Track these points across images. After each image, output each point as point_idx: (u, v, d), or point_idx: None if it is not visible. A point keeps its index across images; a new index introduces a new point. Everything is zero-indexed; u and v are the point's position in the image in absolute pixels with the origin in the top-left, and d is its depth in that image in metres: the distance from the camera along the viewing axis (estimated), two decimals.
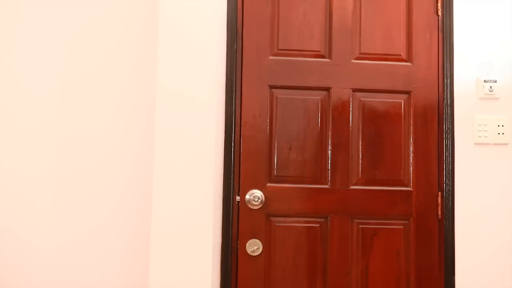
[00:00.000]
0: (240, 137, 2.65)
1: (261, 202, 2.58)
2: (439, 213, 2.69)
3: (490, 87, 2.72)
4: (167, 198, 2.53)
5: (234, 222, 2.62)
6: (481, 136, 2.71)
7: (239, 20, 2.69)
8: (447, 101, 2.72)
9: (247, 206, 2.60)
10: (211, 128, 2.57)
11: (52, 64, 2.74)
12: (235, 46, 2.67)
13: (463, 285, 2.65)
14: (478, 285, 2.66)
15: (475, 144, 2.72)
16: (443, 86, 2.73)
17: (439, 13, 2.75)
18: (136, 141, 2.72)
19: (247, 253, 2.59)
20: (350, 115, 2.70)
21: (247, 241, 2.59)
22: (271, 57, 2.68)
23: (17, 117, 2.72)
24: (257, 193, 2.58)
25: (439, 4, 2.75)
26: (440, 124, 2.72)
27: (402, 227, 2.69)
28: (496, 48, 2.76)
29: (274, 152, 2.64)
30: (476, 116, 2.72)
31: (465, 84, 2.73)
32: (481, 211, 2.70)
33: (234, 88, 2.66)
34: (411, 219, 2.69)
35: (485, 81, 2.72)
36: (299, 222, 2.65)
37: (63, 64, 2.74)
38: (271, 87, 2.67)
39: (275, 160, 2.64)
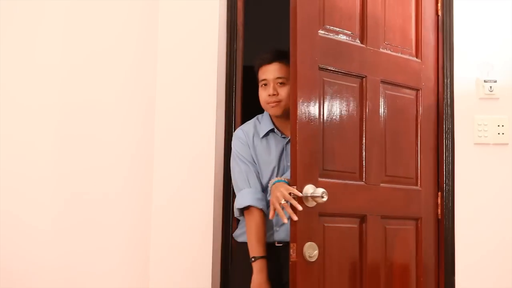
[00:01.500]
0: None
1: (325, 199, 2.18)
2: (439, 213, 2.68)
3: (490, 87, 2.72)
4: (168, 198, 2.53)
5: (234, 222, 2.59)
6: (481, 136, 2.71)
7: (239, 19, 2.68)
8: (447, 101, 2.72)
9: (303, 203, 2.18)
10: (211, 127, 2.57)
11: (53, 62, 2.73)
12: (235, 45, 2.66)
13: (463, 285, 2.65)
14: (478, 285, 2.66)
15: (475, 144, 2.71)
16: (443, 86, 2.72)
17: (439, 13, 2.74)
18: (136, 139, 2.71)
19: (304, 258, 2.15)
20: (380, 108, 2.49)
21: (304, 244, 2.16)
22: (320, 33, 2.34)
23: (21, 112, 2.71)
24: (320, 189, 2.18)
25: (439, 4, 2.74)
26: (440, 124, 2.71)
27: (413, 227, 2.57)
28: (496, 48, 2.76)
29: (322, 143, 2.31)
30: (476, 116, 2.72)
31: (465, 84, 2.73)
32: (481, 211, 2.69)
33: (234, 88, 2.66)
34: (420, 219, 2.58)
35: (485, 81, 2.72)
36: (346, 222, 2.36)
37: (64, 64, 2.73)
38: (320, 68, 2.32)
39: (323, 152, 2.30)
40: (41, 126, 2.71)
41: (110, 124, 2.72)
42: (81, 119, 2.71)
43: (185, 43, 2.63)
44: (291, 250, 2.14)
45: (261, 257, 2.26)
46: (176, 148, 2.56)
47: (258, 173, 2.39)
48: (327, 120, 2.32)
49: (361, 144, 2.42)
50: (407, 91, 2.61)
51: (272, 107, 2.38)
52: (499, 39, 2.76)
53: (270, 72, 2.38)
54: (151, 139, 2.62)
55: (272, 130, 2.43)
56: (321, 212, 2.21)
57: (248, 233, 2.30)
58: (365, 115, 2.43)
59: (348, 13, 2.43)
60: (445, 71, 2.72)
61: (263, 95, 2.39)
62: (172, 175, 2.53)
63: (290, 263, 2.14)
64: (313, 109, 2.26)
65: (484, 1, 2.76)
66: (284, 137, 2.44)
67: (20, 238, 2.66)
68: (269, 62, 2.38)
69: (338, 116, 2.36)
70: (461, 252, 2.67)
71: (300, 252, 2.15)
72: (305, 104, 2.23)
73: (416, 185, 2.61)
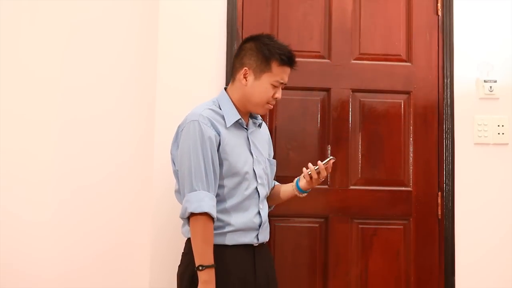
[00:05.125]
0: None
1: None
2: (439, 213, 2.69)
3: (490, 87, 2.72)
4: (167, 199, 2.53)
5: None
6: (481, 136, 2.71)
7: (239, 20, 2.68)
8: (447, 101, 2.72)
9: None
10: None
11: (54, 60, 2.73)
12: (235, 46, 2.66)
13: (463, 285, 2.65)
14: (478, 285, 2.67)
15: (475, 144, 2.72)
16: (443, 86, 2.73)
17: (439, 13, 2.75)
18: (136, 139, 2.71)
19: None
20: (350, 116, 2.70)
21: None
22: None
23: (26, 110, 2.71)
24: None
25: (439, 4, 2.75)
26: (440, 124, 2.72)
27: (401, 227, 2.69)
28: (496, 48, 2.76)
29: (274, 152, 2.53)
30: (476, 116, 2.72)
31: (465, 84, 2.73)
32: (481, 211, 2.70)
33: None
34: (411, 219, 2.69)
35: (485, 81, 2.72)
36: (299, 222, 2.64)
37: (65, 62, 2.73)
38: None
39: (276, 159, 2.52)
40: (41, 125, 2.71)
41: (110, 124, 2.72)
42: (81, 119, 2.71)
43: (185, 43, 2.63)
44: None
45: (211, 266, 2.03)
46: None
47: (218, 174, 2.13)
48: (279, 131, 2.64)
49: (324, 151, 2.66)
50: (392, 95, 2.73)
51: (268, 108, 2.22)
52: (499, 39, 2.76)
53: (287, 76, 2.18)
54: (151, 140, 2.62)
55: (237, 121, 2.18)
56: (271, 213, 2.35)
57: (196, 238, 2.06)
58: (329, 124, 2.67)
59: (309, 34, 2.70)
60: (445, 71, 2.73)
61: (269, 93, 2.17)
62: (172, 176, 2.53)
63: None
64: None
65: (484, 1, 2.76)
66: (245, 128, 2.22)
67: (20, 237, 2.66)
68: (291, 65, 2.17)
69: (293, 127, 2.66)
70: (461, 252, 2.67)
71: None
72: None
73: (407, 186, 2.70)
